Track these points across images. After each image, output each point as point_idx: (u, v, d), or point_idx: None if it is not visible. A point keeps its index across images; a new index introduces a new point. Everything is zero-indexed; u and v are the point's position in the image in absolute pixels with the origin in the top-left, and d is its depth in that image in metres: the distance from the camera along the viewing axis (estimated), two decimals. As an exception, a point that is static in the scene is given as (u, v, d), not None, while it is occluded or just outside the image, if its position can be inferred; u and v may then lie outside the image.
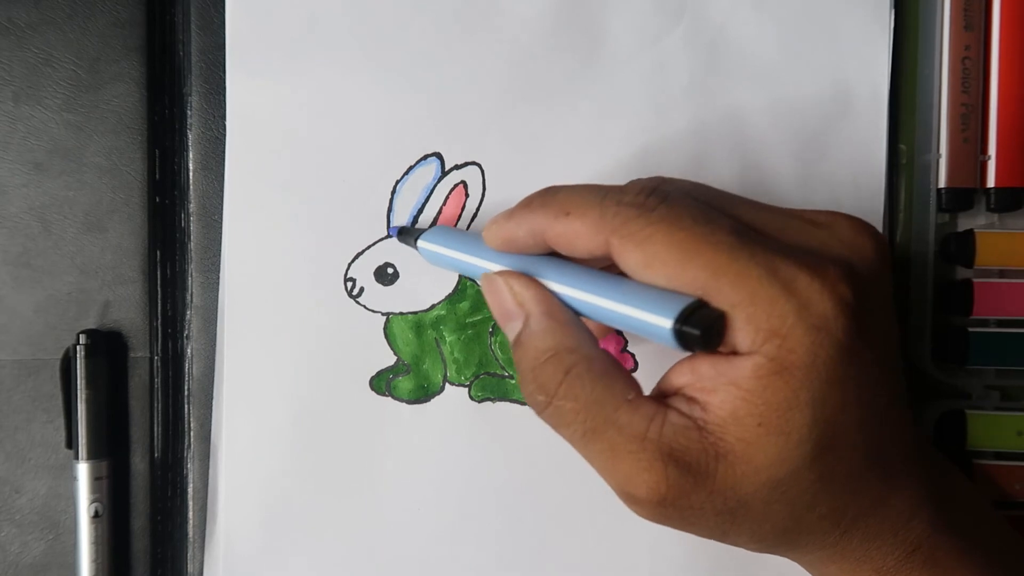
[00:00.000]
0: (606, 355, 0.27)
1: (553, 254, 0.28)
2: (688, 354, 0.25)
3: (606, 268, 0.27)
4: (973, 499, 0.29)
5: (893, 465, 0.26)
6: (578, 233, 0.26)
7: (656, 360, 0.34)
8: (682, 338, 0.23)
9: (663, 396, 0.26)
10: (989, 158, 0.34)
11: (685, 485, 0.24)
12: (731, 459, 0.24)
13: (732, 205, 0.26)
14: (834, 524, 0.26)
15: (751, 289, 0.23)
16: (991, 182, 0.34)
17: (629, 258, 0.25)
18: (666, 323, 0.23)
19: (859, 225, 0.26)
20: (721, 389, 0.24)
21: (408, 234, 0.33)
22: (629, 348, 0.34)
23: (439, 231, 0.32)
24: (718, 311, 0.24)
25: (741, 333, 0.23)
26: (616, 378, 0.26)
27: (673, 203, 0.25)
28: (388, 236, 0.34)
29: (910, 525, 0.26)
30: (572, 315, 0.27)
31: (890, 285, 0.26)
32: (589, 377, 0.26)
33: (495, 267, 0.29)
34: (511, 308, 0.27)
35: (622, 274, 0.26)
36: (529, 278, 0.27)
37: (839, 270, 0.24)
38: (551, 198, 0.27)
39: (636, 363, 0.34)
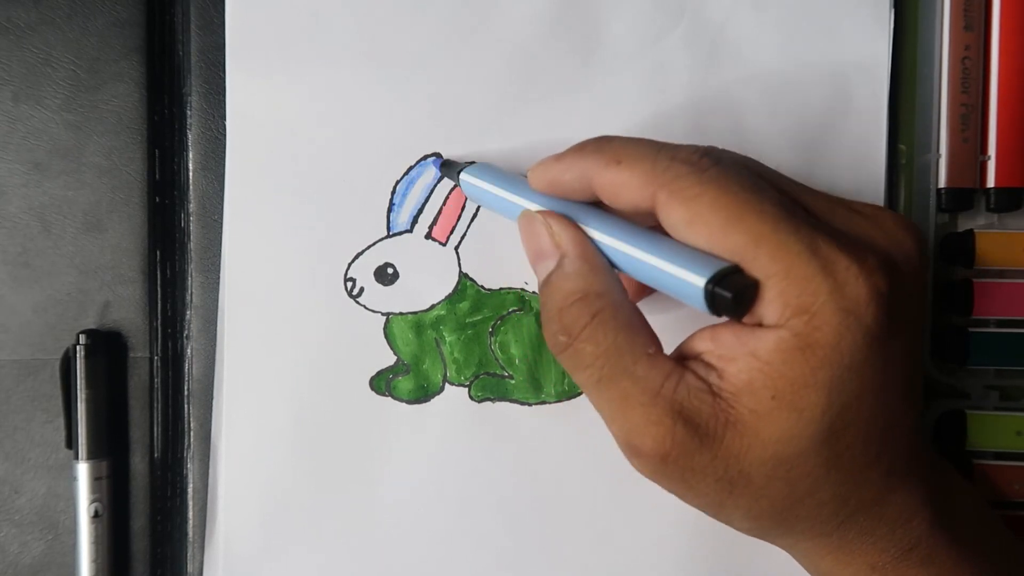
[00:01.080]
0: (633, 307, 0.27)
1: (595, 205, 0.28)
2: (713, 320, 0.25)
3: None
4: (971, 500, 0.29)
5: (898, 462, 0.26)
6: (627, 183, 0.26)
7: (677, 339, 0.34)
8: (712, 300, 0.23)
9: (682, 359, 0.26)
10: (989, 158, 0.34)
11: (690, 444, 0.24)
12: (740, 428, 0.24)
13: (781, 182, 0.26)
14: (833, 513, 0.26)
15: (789, 263, 0.23)
16: (991, 182, 0.34)
17: (674, 214, 0.25)
18: (699, 282, 0.24)
19: (903, 221, 0.26)
20: (740, 358, 0.24)
21: (451, 167, 0.33)
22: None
23: (483, 167, 0.32)
24: (752, 279, 0.24)
25: (771, 305, 0.24)
26: (639, 331, 0.26)
27: (726, 166, 0.25)
28: (389, 235, 0.34)
29: (909, 523, 0.26)
30: (606, 262, 0.27)
31: (925, 285, 0.26)
32: (614, 324, 0.26)
33: (537, 207, 0.29)
34: (547, 247, 0.27)
35: (663, 234, 0.26)
36: (568, 220, 0.27)
37: (878, 259, 0.24)
38: (605, 145, 0.27)
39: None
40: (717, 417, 0.24)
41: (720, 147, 0.27)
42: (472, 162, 0.32)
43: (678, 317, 0.33)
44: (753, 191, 0.24)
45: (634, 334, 0.26)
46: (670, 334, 0.27)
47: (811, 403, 0.24)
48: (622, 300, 0.26)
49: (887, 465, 0.26)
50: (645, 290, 0.32)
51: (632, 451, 0.25)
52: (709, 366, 0.25)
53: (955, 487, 0.29)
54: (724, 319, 0.25)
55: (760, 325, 0.24)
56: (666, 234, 0.26)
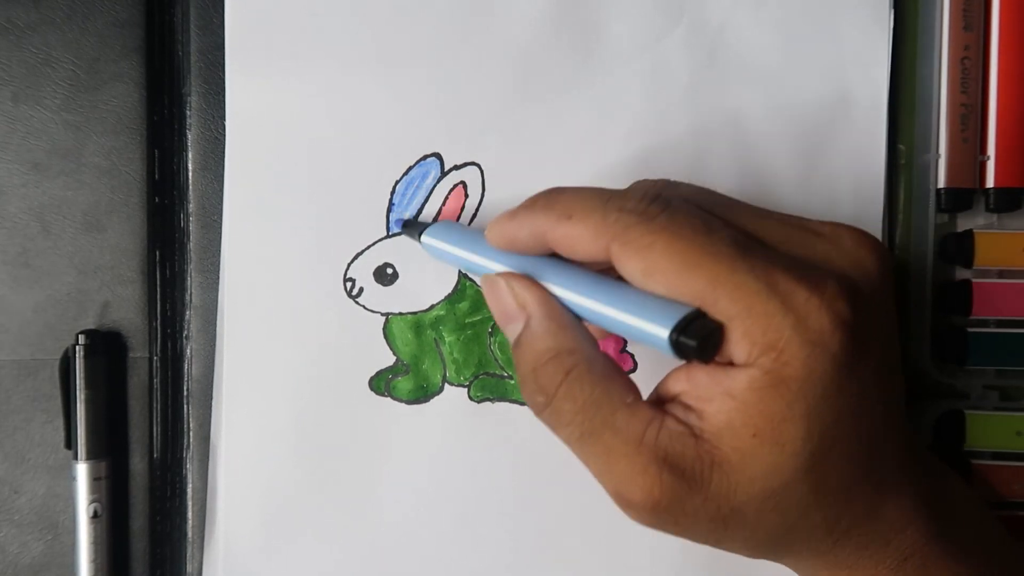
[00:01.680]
0: (606, 358, 0.27)
1: (554, 255, 0.28)
2: (685, 364, 0.25)
3: (606, 271, 0.27)
4: (969, 504, 0.29)
5: (888, 475, 0.26)
6: (579, 237, 0.26)
7: (656, 361, 0.34)
8: (679, 348, 0.24)
9: (660, 401, 0.26)
10: (988, 158, 0.34)
11: (679, 491, 0.24)
12: (726, 468, 0.24)
13: (735, 213, 0.26)
14: (827, 532, 0.26)
15: (748, 302, 0.23)
16: (990, 182, 0.34)
17: (629, 265, 0.25)
18: (663, 332, 0.24)
19: (861, 237, 0.26)
20: (717, 399, 0.24)
21: (412, 227, 0.33)
22: (628, 348, 0.34)
23: (443, 227, 0.32)
24: (715, 323, 0.24)
25: (737, 345, 0.24)
26: (615, 381, 0.26)
27: (675, 212, 0.25)
28: (389, 236, 0.34)
29: (904, 534, 0.26)
30: (573, 317, 0.27)
31: (892, 298, 0.26)
32: (589, 379, 0.26)
33: (497, 266, 0.29)
34: (512, 309, 0.27)
35: (622, 279, 0.26)
36: (530, 280, 0.28)
37: (838, 285, 0.24)
38: (554, 200, 0.27)
39: (635, 363, 0.34)
40: (702, 459, 0.24)
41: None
42: (431, 223, 0.33)
43: (651, 353, 0.34)
44: (705, 233, 0.24)
45: (610, 385, 0.26)
46: (650, 365, 0.27)
47: (791, 436, 0.24)
48: (594, 353, 0.26)
49: (876, 481, 0.26)
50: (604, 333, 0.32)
51: (623, 502, 0.25)
52: (688, 407, 0.25)
53: (953, 492, 0.29)
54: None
55: (731, 364, 0.24)
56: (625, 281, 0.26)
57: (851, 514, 0.26)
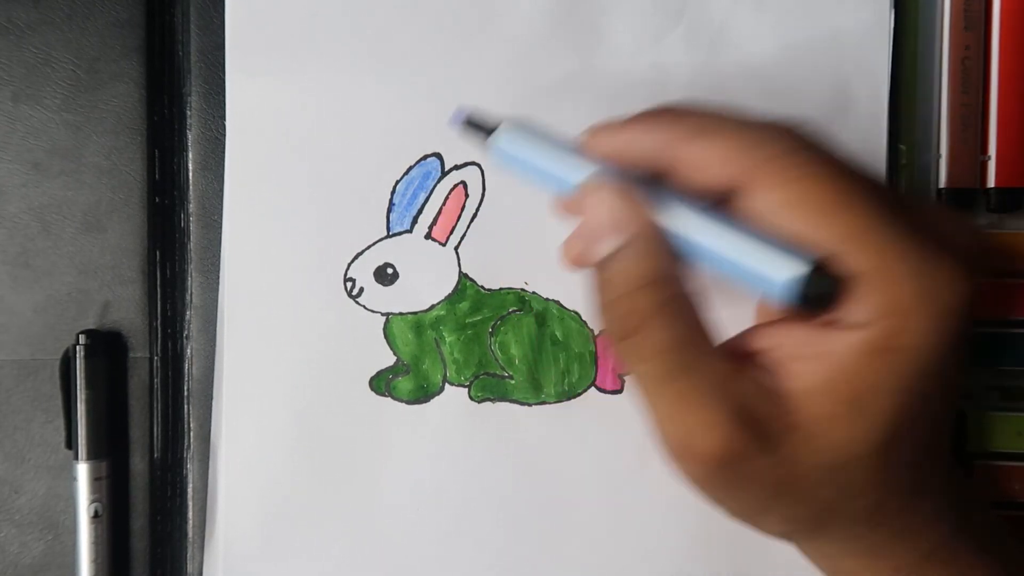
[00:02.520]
0: (698, 298, 0.25)
1: (655, 181, 0.25)
2: (770, 321, 0.24)
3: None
4: (981, 503, 0.29)
5: (932, 470, 0.25)
6: (711, 158, 0.24)
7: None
8: (802, 293, 0.22)
9: (738, 355, 0.25)
10: (989, 158, 0.34)
11: (749, 449, 0.23)
12: (802, 432, 0.23)
13: (875, 176, 0.25)
14: (869, 517, 0.25)
15: (887, 261, 0.22)
16: (991, 182, 0.34)
17: (770, 195, 0.23)
18: (790, 272, 0.22)
19: (978, 228, 0.26)
20: (811, 359, 0.23)
21: (476, 130, 0.27)
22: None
23: (517, 130, 0.27)
24: (840, 276, 0.22)
25: (859, 304, 0.22)
26: (704, 324, 0.24)
27: (827, 150, 0.23)
28: (389, 236, 0.34)
29: (934, 526, 0.26)
30: (675, 248, 0.24)
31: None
32: (683, 316, 0.24)
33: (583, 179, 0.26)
34: (610, 223, 0.24)
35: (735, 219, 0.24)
36: (635, 196, 0.24)
37: (970, 269, 0.23)
38: (684, 115, 0.25)
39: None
40: (779, 420, 0.23)
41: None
42: (501, 121, 0.27)
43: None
44: (854, 179, 0.23)
45: (700, 328, 0.24)
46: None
47: (881, 408, 0.23)
48: (690, 290, 0.24)
49: (925, 469, 0.25)
50: None
51: (685, 453, 0.24)
52: (771, 365, 0.24)
53: (969, 491, 0.29)
54: (781, 317, 0.24)
55: (832, 325, 0.23)
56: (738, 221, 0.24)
57: (897, 501, 0.25)
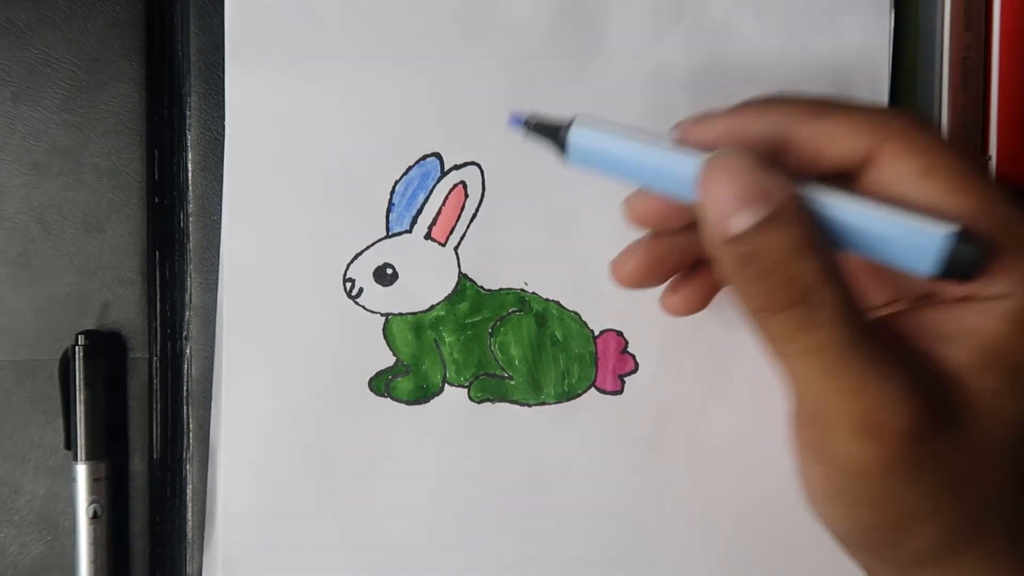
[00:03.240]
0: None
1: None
2: (907, 307, 0.23)
3: None
4: None
5: None
6: (839, 132, 0.23)
7: (657, 362, 0.34)
8: (951, 258, 0.22)
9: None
10: (989, 158, 0.34)
11: (937, 425, 0.22)
12: (976, 410, 0.22)
13: None
14: (1015, 530, 0.23)
15: (1020, 228, 0.22)
16: (991, 182, 0.34)
17: (906, 164, 0.23)
18: (942, 235, 0.22)
19: None
20: (960, 336, 0.22)
21: (544, 128, 0.26)
22: (630, 349, 0.34)
23: (593, 121, 0.25)
24: (986, 243, 0.22)
25: (998, 276, 0.22)
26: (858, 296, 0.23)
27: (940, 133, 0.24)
28: (388, 236, 0.34)
29: None
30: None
31: None
32: (846, 281, 0.22)
33: (686, 167, 0.24)
34: (757, 192, 0.22)
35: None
36: (776, 164, 0.23)
37: None
38: (793, 97, 0.25)
39: (636, 365, 0.34)
40: (953, 394, 0.22)
41: None
42: (571, 118, 0.26)
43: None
44: (972, 156, 0.23)
45: (859, 297, 0.22)
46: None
47: None
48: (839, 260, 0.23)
49: None
50: (711, 297, 0.31)
51: (870, 432, 0.22)
52: (922, 346, 0.23)
53: None
54: (907, 306, 0.23)
55: (971, 300, 0.22)
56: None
57: None
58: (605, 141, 0.25)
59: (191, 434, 0.35)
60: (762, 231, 0.22)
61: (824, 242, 0.22)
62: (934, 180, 0.22)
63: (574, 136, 0.25)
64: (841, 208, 0.23)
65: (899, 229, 0.22)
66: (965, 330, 0.22)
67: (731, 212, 0.22)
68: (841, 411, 0.22)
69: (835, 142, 0.23)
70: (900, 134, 0.23)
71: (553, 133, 0.26)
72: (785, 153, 0.24)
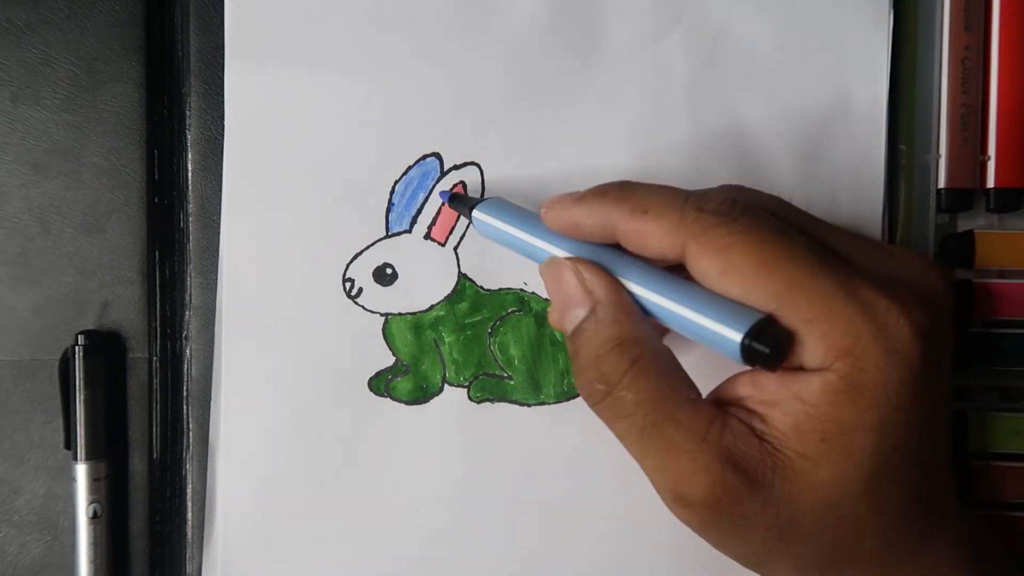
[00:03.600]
0: (670, 352, 0.26)
1: (615, 246, 0.27)
2: (749, 369, 0.25)
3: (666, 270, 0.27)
4: (996, 550, 0.29)
5: (937, 507, 0.26)
6: (653, 233, 0.25)
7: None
8: (750, 354, 0.23)
9: (720, 405, 0.26)
10: (989, 158, 0.34)
11: (741, 491, 0.24)
12: (789, 472, 0.24)
13: (811, 224, 0.26)
14: (878, 562, 0.25)
15: (828, 306, 0.23)
16: (991, 183, 0.34)
17: (705, 264, 0.24)
18: (735, 336, 0.23)
19: (931, 262, 0.26)
20: (784, 403, 0.24)
21: (462, 202, 0.32)
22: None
23: (496, 203, 0.31)
24: (786, 331, 0.23)
25: (813, 350, 0.23)
26: (679, 376, 0.26)
27: (754, 214, 0.25)
28: (388, 236, 0.34)
29: (949, 571, 0.26)
30: (639, 309, 0.26)
31: (954, 328, 0.26)
32: (655, 370, 0.25)
33: (554, 249, 0.28)
34: (577, 295, 0.27)
35: (689, 280, 0.26)
36: (597, 266, 0.27)
37: (917, 298, 0.24)
38: (629, 192, 0.26)
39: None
40: (765, 462, 0.24)
41: (745, 185, 0.27)
42: (483, 198, 0.32)
43: (704, 355, 0.33)
44: (785, 237, 0.24)
45: (675, 379, 0.25)
46: (698, 373, 0.27)
47: (861, 446, 0.23)
48: (660, 346, 0.26)
49: (927, 510, 0.25)
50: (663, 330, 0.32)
51: (680, 501, 0.25)
52: (751, 411, 0.25)
53: (984, 536, 0.29)
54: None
55: (801, 368, 0.24)
56: (692, 280, 0.26)
57: (902, 544, 0.25)
58: (493, 224, 0.30)
59: (191, 434, 0.35)
60: (577, 332, 0.26)
61: (636, 336, 0.25)
62: (731, 278, 0.24)
63: (475, 215, 0.31)
64: (658, 300, 0.26)
65: (705, 324, 0.24)
66: (788, 398, 0.24)
67: (564, 312, 0.27)
68: (657, 483, 0.25)
69: (647, 243, 0.26)
70: (701, 234, 0.24)
71: (464, 208, 0.32)
72: (621, 243, 0.27)
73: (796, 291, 0.23)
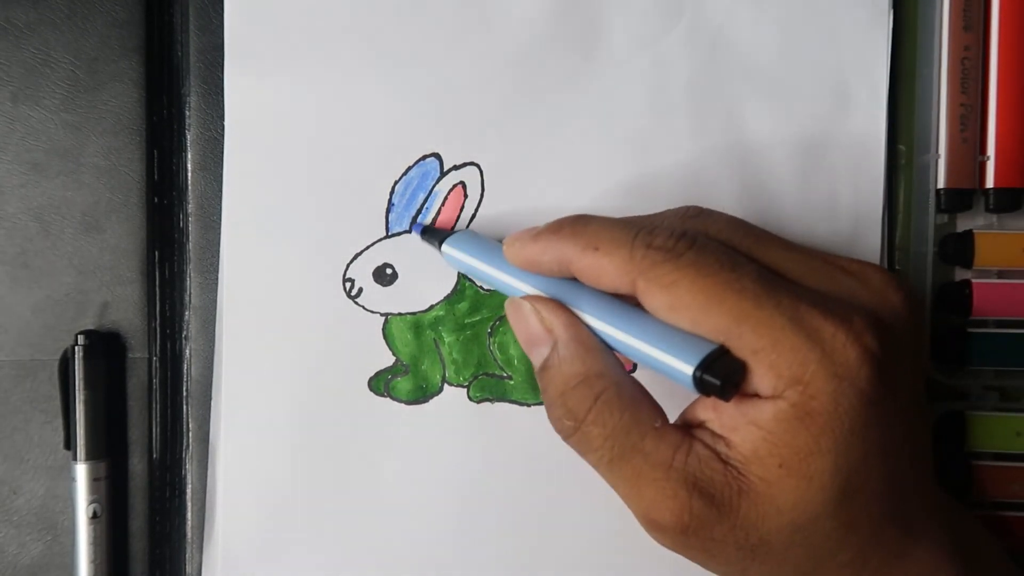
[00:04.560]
0: (634, 382, 0.27)
1: (576, 281, 0.28)
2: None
3: (627, 300, 0.27)
4: (991, 551, 0.29)
5: (916, 517, 0.26)
6: (605, 270, 0.26)
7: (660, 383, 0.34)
8: (702, 385, 0.24)
9: (687, 426, 0.26)
10: (988, 158, 0.34)
11: (709, 516, 0.24)
12: (753, 496, 0.24)
13: (762, 247, 0.26)
14: (856, 572, 0.25)
15: (774, 336, 0.23)
16: (990, 182, 0.34)
17: (654, 300, 0.25)
18: (687, 370, 0.24)
19: (890, 277, 0.26)
20: (743, 428, 0.24)
21: (432, 235, 0.33)
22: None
23: (465, 237, 0.32)
24: (738, 361, 0.24)
25: (763, 379, 0.24)
26: (643, 405, 0.26)
27: (701, 249, 0.25)
28: (388, 236, 0.34)
29: (939, 573, 0.26)
30: (599, 341, 0.27)
31: (919, 340, 0.26)
32: (618, 404, 0.26)
33: (519, 283, 0.29)
34: (538, 333, 0.28)
35: (647, 313, 0.26)
36: (556, 303, 0.28)
37: (865, 320, 0.24)
38: (581, 229, 0.27)
39: (635, 364, 0.34)
40: (730, 486, 0.24)
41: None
42: (453, 232, 0.33)
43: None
44: (731, 269, 0.25)
45: (639, 410, 0.26)
46: (672, 397, 0.27)
47: (819, 470, 0.24)
48: (623, 378, 0.27)
49: (905, 521, 0.25)
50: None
51: (652, 526, 0.26)
52: (715, 434, 0.25)
53: (976, 538, 0.29)
54: None
55: (756, 396, 0.24)
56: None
57: (880, 555, 0.25)
58: (460, 259, 0.31)
59: (191, 434, 0.35)
60: (543, 370, 0.27)
61: (599, 370, 0.26)
62: (680, 314, 0.25)
63: (444, 249, 0.32)
64: (614, 337, 0.26)
65: (658, 357, 0.25)
66: (746, 423, 0.24)
67: (527, 351, 0.28)
68: (632, 509, 0.26)
69: (601, 278, 0.26)
70: (647, 273, 0.25)
71: (435, 241, 0.32)
72: (579, 278, 0.27)
73: (743, 323, 0.24)
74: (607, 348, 0.27)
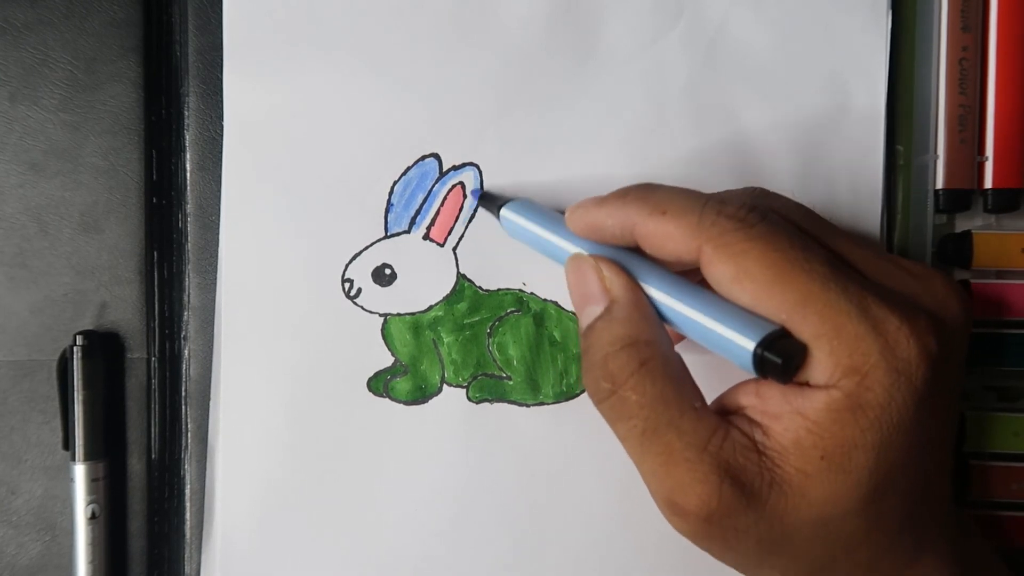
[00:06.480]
0: (679, 359, 0.26)
1: (637, 252, 0.27)
2: (755, 377, 0.25)
3: (684, 275, 0.27)
4: (991, 562, 0.29)
5: (930, 526, 0.26)
6: (671, 235, 0.25)
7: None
8: (762, 364, 0.23)
9: (723, 412, 0.26)
10: (986, 159, 0.34)
11: (736, 504, 0.24)
12: (786, 488, 0.24)
13: (829, 235, 0.26)
14: (867, 573, 0.25)
15: (838, 322, 0.23)
16: (988, 183, 0.34)
17: (720, 269, 0.24)
18: (748, 345, 0.23)
19: (951, 284, 0.26)
20: (786, 417, 0.24)
21: (491, 201, 0.33)
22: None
23: (523, 204, 0.32)
24: (800, 344, 0.23)
25: (820, 365, 0.23)
26: (686, 383, 0.26)
27: (773, 223, 0.25)
28: (387, 236, 0.34)
29: None
30: (654, 312, 0.26)
31: (965, 353, 0.26)
32: (662, 374, 0.25)
33: (576, 249, 0.29)
34: (595, 291, 0.27)
35: (707, 288, 0.25)
36: (619, 266, 0.27)
37: (929, 320, 0.24)
38: (649, 193, 0.26)
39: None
40: (763, 476, 0.24)
41: (768, 189, 0.27)
42: (512, 198, 0.32)
43: (712, 362, 0.33)
44: (801, 248, 0.24)
45: (681, 386, 0.25)
46: (704, 379, 0.27)
47: (859, 464, 0.23)
48: (670, 351, 0.26)
49: (920, 529, 0.25)
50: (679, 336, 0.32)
51: (674, 509, 0.25)
52: (753, 422, 0.25)
53: (981, 553, 0.29)
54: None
55: (806, 384, 0.24)
56: (710, 287, 0.25)
57: (891, 561, 0.25)
58: (520, 224, 0.31)
59: (189, 434, 0.35)
60: (590, 329, 0.27)
61: (647, 338, 0.25)
62: (744, 286, 0.24)
63: (503, 214, 0.32)
64: (673, 308, 0.26)
65: (719, 331, 0.24)
66: (791, 412, 0.24)
67: (579, 310, 0.27)
68: (653, 488, 0.25)
69: (665, 245, 0.26)
70: (717, 238, 0.24)
71: (494, 207, 0.32)
72: (638, 243, 0.27)
73: (808, 304, 0.23)
74: (660, 321, 0.26)
